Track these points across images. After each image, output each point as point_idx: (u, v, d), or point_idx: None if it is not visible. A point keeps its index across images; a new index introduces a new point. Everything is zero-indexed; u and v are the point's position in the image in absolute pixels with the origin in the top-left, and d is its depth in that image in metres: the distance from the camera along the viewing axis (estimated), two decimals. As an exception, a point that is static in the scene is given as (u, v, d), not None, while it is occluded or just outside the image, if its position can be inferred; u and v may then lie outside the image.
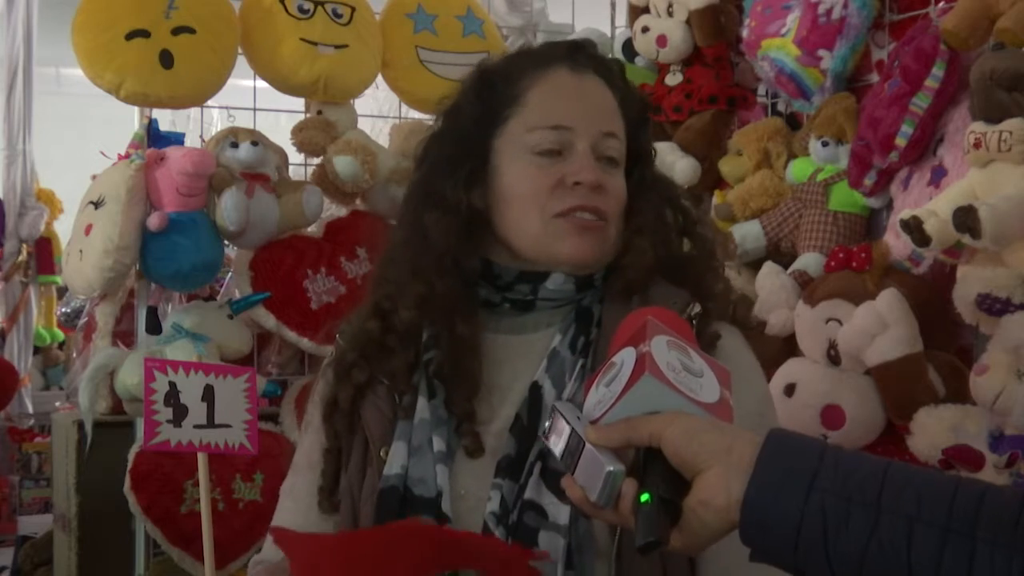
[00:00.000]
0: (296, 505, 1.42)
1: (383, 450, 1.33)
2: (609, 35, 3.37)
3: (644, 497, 0.99)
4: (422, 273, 1.35)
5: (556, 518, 1.23)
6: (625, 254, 1.36)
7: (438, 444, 1.30)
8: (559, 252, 1.34)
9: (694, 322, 1.31)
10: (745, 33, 2.81)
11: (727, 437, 0.99)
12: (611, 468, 1.00)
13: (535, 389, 1.32)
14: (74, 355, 4.42)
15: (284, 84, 2.85)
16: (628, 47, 3.18)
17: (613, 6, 3.49)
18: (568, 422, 1.07)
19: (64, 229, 4.17)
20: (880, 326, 2.26)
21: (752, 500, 0.95)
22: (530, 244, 1.35)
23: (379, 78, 3.00)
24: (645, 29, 3.05)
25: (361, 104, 3.05)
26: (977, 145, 2.14)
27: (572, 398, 1.28)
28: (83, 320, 3.89)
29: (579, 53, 1.41)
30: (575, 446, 1.04)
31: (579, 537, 1.23)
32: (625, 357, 1.06)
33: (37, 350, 5.33)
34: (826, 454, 0.96)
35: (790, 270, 2.60)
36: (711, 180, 2.97)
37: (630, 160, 1.41)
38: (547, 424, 1.11)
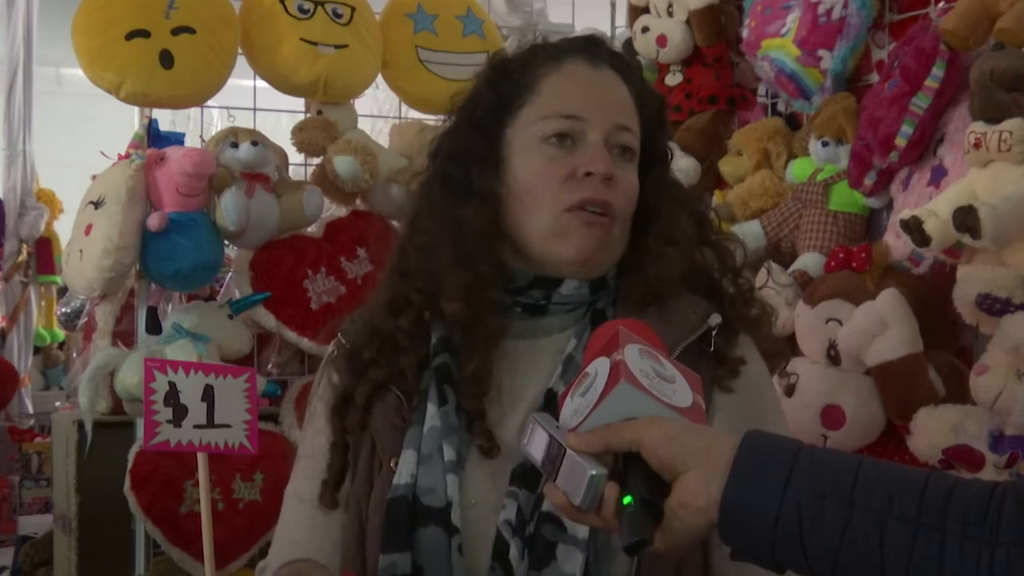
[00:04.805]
0: (302, 506, 1.40)
1: (392, 460, 1.31)
2: (609, 35, 3.37)
3: (626, 500, 1.01)
4: (467, 262, 1.31)
5: (575, 531, 1.22)
6: (652, 262, 1.33)
7: (448, 453, 1.28)
8: (565, 250, 1.30)
9: (713, 333, 1.30)
10: (745, 33, 2.81)
11: (705, 439, 1.01)
12: (594, 472, 1.02)
13: (551, 396, 1.29)
14: (74, 355, 4.41)
15: (284, 84, 2.85)
16: (628, 47, 3.18)
17: (613, 6, 3.49)
18: (547, 431, 1.08)
19: (64, 229, 4.17)
20: (880, 326, 2.26)
21: (730, 500, 0.97)
22: (537, 238, 1.31)
23: (379, 78, 3.00)
24: (645, 29, 3.05)
25: (361, 104, 3.05)
26: (977, 145, 2.13)
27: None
28: (83, 320, 3.88)
29: (598, 47, 1.40)
30: (556, 453, 1.06)
31: (598, 551, 1.22)
32: (599, 367, 1.07)
33: (37, 350, 5.32)
34: (800, 453, 0.98)
35: (790, 270, 2.59)
36: (711, 180, 2.97)
37: (646, 161, 1.38)
38: (527, 434, 1.12)
